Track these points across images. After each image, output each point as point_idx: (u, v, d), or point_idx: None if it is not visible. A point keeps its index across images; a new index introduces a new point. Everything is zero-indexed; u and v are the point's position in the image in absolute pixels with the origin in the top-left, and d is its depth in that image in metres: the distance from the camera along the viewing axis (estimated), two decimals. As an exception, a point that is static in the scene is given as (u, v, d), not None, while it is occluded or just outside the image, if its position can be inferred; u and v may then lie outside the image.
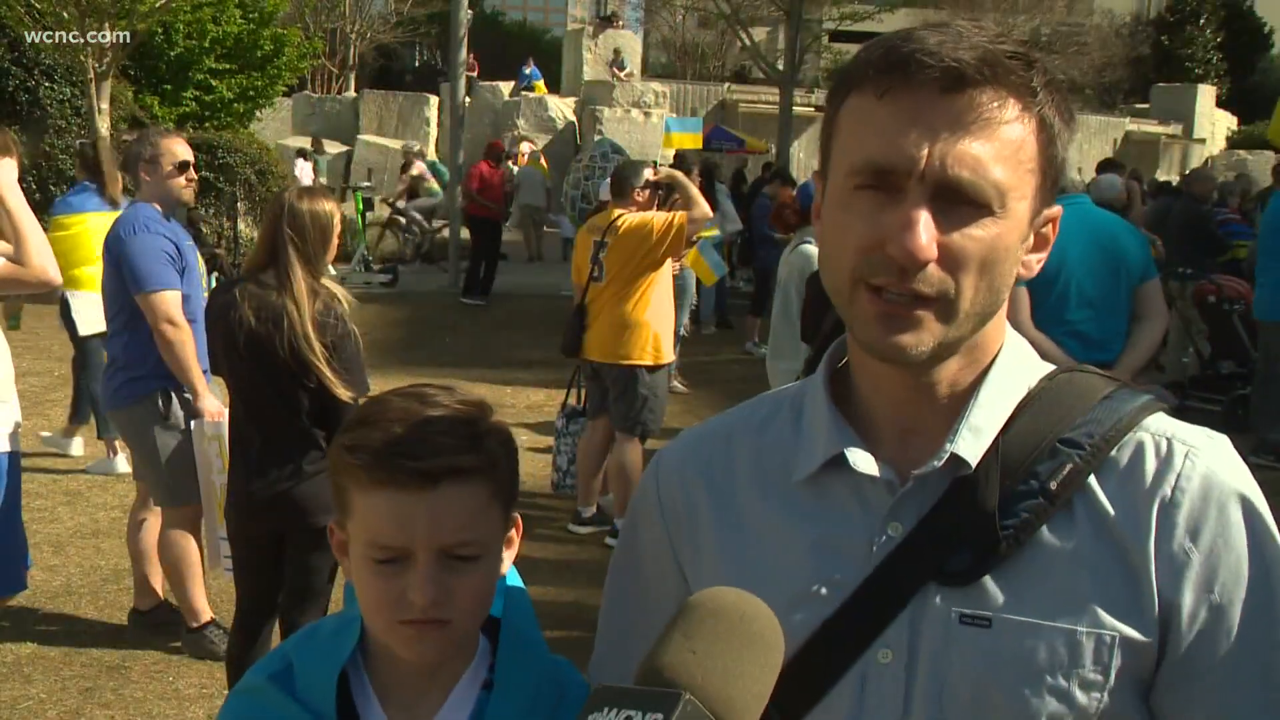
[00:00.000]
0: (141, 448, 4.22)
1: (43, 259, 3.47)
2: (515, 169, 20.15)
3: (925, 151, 0.92)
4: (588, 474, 5.84)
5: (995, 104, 0.93)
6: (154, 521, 4.37)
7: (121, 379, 4.18)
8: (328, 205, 3.42)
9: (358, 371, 3.35)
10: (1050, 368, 1.06)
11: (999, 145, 0.93)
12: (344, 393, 3.25)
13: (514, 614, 1.22)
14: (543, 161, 19.94)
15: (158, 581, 4.43)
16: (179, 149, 4.24)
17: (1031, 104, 0.95)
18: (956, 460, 0.98)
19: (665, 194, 5.81)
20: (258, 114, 20.90)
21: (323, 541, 3.31)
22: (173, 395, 4.18)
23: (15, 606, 4.58)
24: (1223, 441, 1.01)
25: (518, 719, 1.17)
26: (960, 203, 0.93)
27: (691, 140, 21.64)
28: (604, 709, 0.77)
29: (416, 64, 45.93)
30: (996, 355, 1.03)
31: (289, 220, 3.30)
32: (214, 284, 11.73)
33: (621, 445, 5.58)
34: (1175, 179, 20.68)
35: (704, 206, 5.38)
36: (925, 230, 0.91)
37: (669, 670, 0.79)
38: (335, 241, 3.43)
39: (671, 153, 18.25)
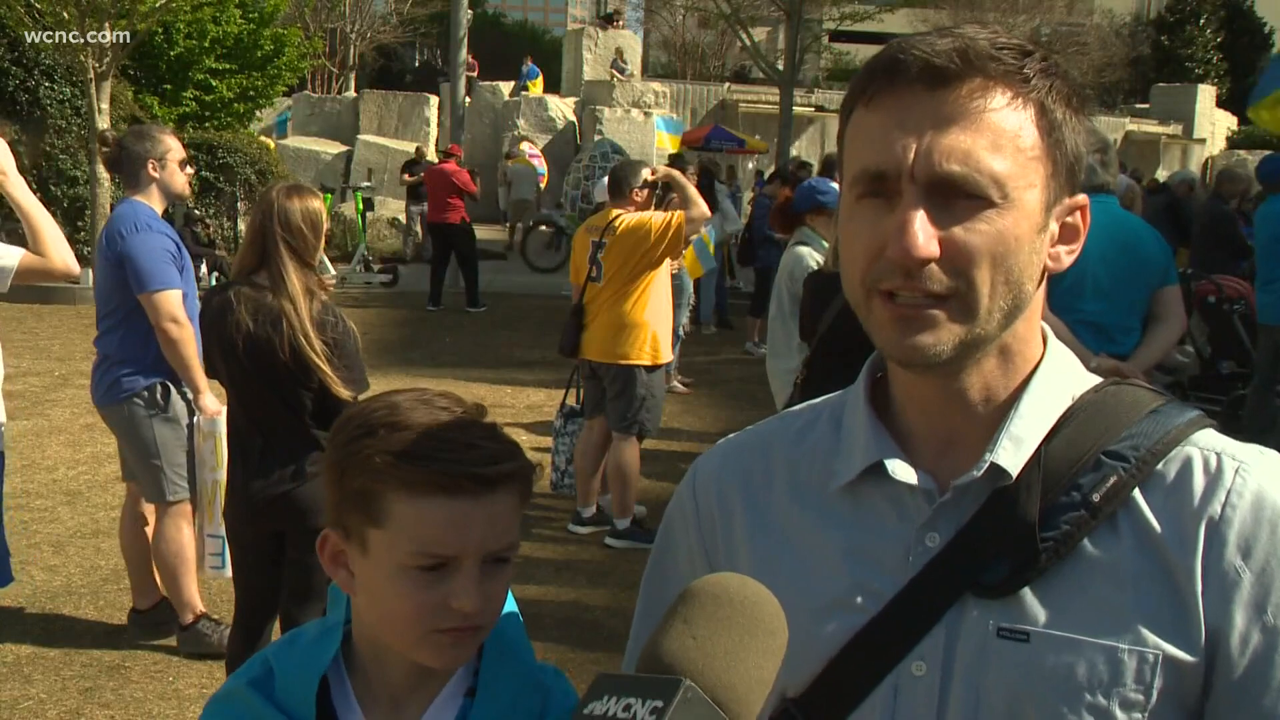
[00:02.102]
0: (137, 443, 4.19)
1: (60, 249, 3.55)
2: (510, 167, 20.29)
3: (913, 150, 0.91)
4: (586, 474, 5.84)
5: (981, 94, 0.91)
6: (149, 520, 4.36)
7: (116, 375, 4.15)
8: (315, 202, 3.41)
9: (358, 370, 3.34)
10: (1095, 379, 1.03)
11: (991, 134, 0.91)
12: (344, 392, 3.24)
13: (500, 621, 1.22)
14: (528, 157, 20.08)
15: (157, 578, 4.43)
16: (178, 144, 4.30)
17: (1024, 91, 0.93)
18: (996, 470, 0.96)
19: (664, 193, 5.81)
20: (257, 114, 20.91)
21: None
22: (171, 388, 4.17)
23: (15, 607, 4.58)
24: (1273, 457, 0.97)
25: None
26: (957, 197, 0.91)
27: (672, 141, 21.82)
28: (604, 697, 0.77)
29: (416, 64, 45.96)
30: (1039, 365, 1.00)
31: (280, 220, 3.27)
32: (215, 284, 11.75)
33: (618, 445, 5.58)
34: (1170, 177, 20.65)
35: (702, 206, 5.38)
36: (922, 229, 0.90)
37: (669, 657, 0.78)
38: (323, 238, 3.43)
39: (670, 152, 18.32)
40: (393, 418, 1.14)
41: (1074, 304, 4.37)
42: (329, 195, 15.80)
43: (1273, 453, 0.99)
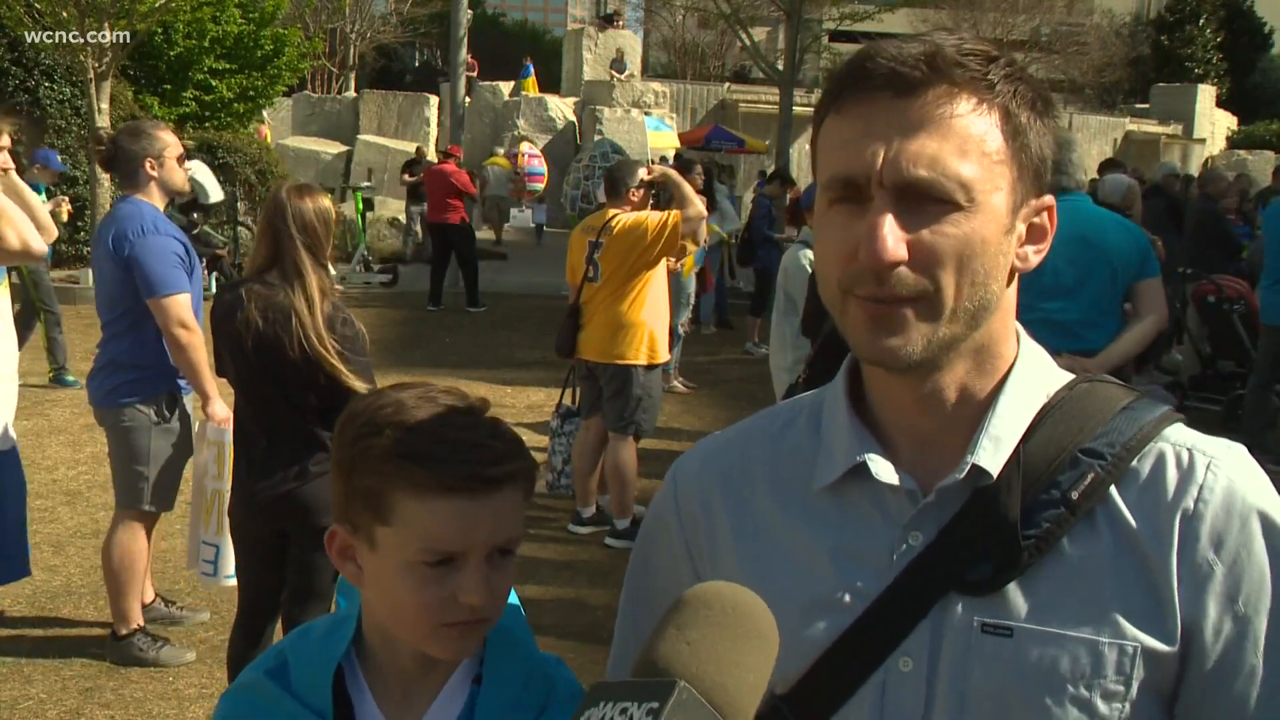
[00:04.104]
0: (129, 448, 4.13)
1: (23, 231, 3.54)
2: (488, 168, 20.58)
3: (881, 156, 0.93)
4: (584, 474, 5.84)
5: (946, 100, 0.93)
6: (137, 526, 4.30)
7: (122, 378, 4.10)
8: (326, 200, 3.42)
9: (366, 370, 3.35)
10: (1068, 377, 1.06)
11: (957, 140, 0.93)
12: (360, 385, 3.24)
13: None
14: (504, 159, 20.55)
15: (149, 581, 4.43)
16: (175, 139, 4.23)
17: (989, 97, 0.95)
18: (977, 470, 0.98)
19: (668, 194, 5.82)
20: (261, 114, 20.91)
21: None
22: (177, 400, 4.14)
23: (16, 606, 4.59)
24: (1241, 452, 1.01)
25: (507, 711, 1.20)
26: (925, 201, 0.93)
27: (665, 140, 22.08)
28: (600, 703, 0.78)
29: (416, 64, 45.97)
30: (1013, 364, 1.03)
31: (295, 219, 3.28)
32: (215, 285, 11.75)
33: (615, 445, 5.58)
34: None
35: (698, 205, 5.38)
36: (890, 233, 0.92)
37: (663, 662, 0.79)
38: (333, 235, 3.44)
39: (672, 153, 18.34)
40: (398, 416, 1.15)
41: (1035, 302, 4.35)
42: (329, 195, 15.78)
43: (1240, 446, 1.02)
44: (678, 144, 21.57)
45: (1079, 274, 4.40)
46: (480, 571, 1.14)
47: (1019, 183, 0.97)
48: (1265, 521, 0.96)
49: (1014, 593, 0.96)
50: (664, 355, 5.70)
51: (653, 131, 22.28)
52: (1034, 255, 1.02)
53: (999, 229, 0.96)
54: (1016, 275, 1.01)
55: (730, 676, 0.79)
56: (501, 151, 21.25)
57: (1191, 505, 0.96)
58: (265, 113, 23.58)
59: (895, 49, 0.94)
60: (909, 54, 0.93)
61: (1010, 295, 1.02)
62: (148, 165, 4.10)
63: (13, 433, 3.78)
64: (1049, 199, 1.01)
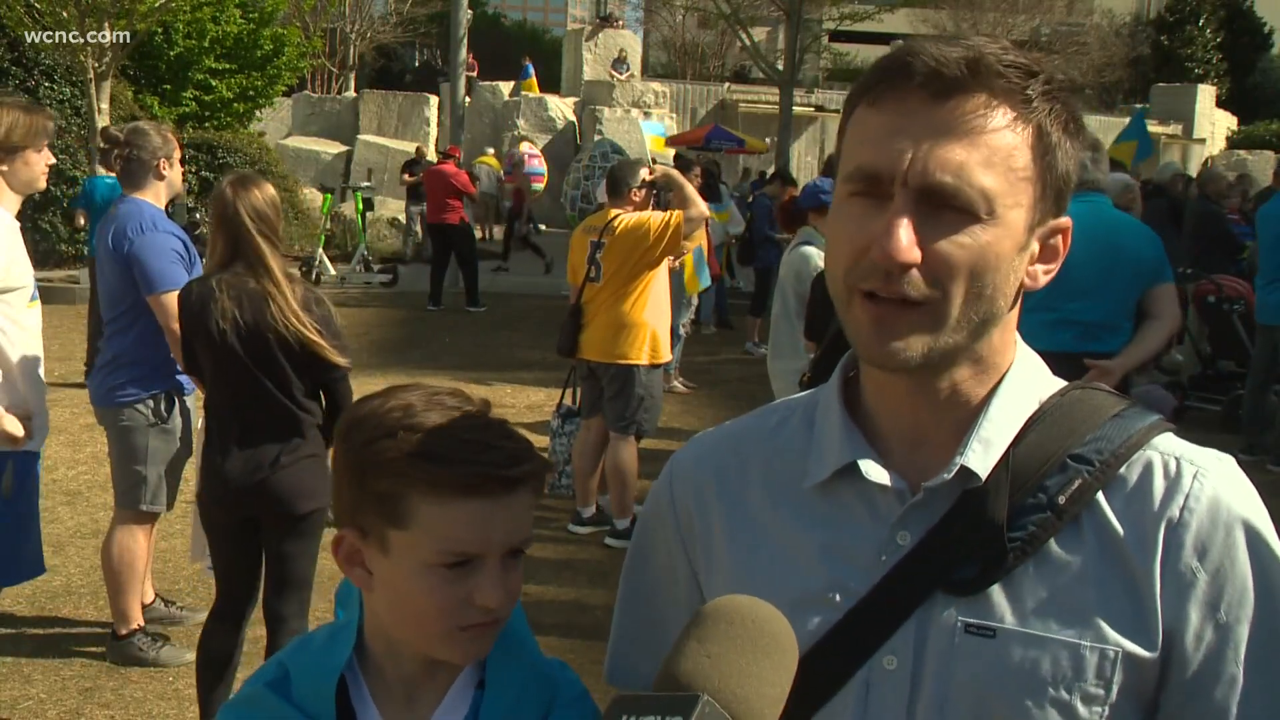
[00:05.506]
0: (128, 448, 4.14)
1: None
2: (476, 166, 20.75)
3: (909, 156, 0.92)
4: (584, 474, 5.84)
5: (983, 110, 0.93)
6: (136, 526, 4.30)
7: (123, 377, 4.12)
8: (270, 189, 3.48)
9: (344, 343, 3.42)
10: (1061, 383, 1.06)
11: (987, 151, 0.93)
12: (341, 360, 3.33)
13: None
14: (493, 158, 20.77)
15: (148, 581, 4.43)
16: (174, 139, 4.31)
17: (1026, 112, 0.95)
18: (966, 472, 0.99)
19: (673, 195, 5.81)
20: (257, 114, 20.91)
21: (300, 528, 3.38)
22: (175, 399, 4.16)
23: (16, 606, 4.59)
24: (1230, 463, 1.02)
25: (510, 716, 1.19)
26: (946, 208, 0.93)
27: (658, 142, 22.17)
28: (622, 717, 0.78)
29: (416, 64, 45.99)
30: (1008, 370, 1.03)
31: (248, 210, 3.33)
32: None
33: (616, 445, 5.58)
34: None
35: (700, 205, 5.38)
36: (905, 234, 0.92)
37: (685, 676, 0.80)
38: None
39: (672, 153, 18.34)
40: (410, 419, 1.14)
41: (1056, 303, 4.37)
42: (329, 195, 15.80)
43: (1229, 458, 1.02)
44: (662, 147, 21.63)
45: (1102, 276, 4.44)
46: (496, 573, 1.13)
47: (1040, 201, 0.97)
48: (1249, 532, 0.97)
49: (998, 594, 0.97)
50: (666, 355, 5.70)
51: (652, 135, 22.32)
52: (1044, 275, 1.02)
53: (1014, 245, 0.96)
54: (1022, 292, 1.01)
55: (751, 689, 0.79)
56: (492, 151, 21.29)
57: (1177, 514, 0.97)
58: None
59: (938, 49, 0.94)
60: (952, 57, 0.93)
61: (1015, 310, 1.02)
62: (161, 165, 4.17)
63: (46, 427, 3.79)
64: (1066, 221, 1.02)
